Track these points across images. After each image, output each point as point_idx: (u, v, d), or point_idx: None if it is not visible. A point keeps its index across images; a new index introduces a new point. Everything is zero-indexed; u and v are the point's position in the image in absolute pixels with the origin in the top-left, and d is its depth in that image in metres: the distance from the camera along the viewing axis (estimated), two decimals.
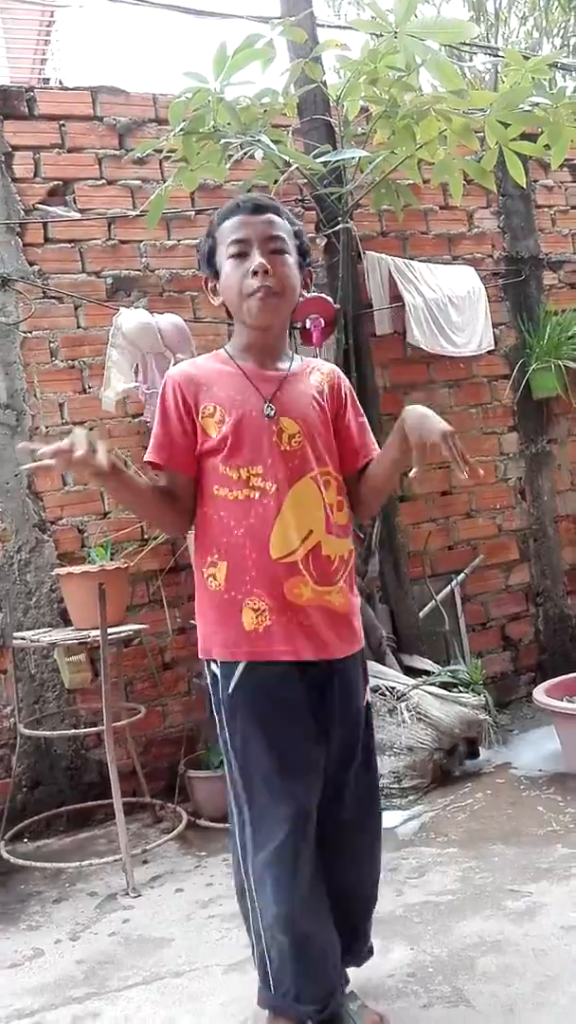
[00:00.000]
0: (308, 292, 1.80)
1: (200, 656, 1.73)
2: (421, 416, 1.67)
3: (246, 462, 1.67)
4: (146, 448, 1.69)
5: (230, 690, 1.65)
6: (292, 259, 1.71)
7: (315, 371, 1.81)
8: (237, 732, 1.66)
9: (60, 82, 5.77)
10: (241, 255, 1.67)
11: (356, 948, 1.82)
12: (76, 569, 2.89)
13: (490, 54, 5.59)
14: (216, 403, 1.68)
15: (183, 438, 1.69)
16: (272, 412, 1.69)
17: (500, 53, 5.21)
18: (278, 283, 1.67)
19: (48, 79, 6.86)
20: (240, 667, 1.65)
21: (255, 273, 1.65)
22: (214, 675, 1.69)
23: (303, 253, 1.76)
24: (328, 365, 1.87)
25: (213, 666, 1.69)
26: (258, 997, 1.73)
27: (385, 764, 2.97)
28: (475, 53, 5.77)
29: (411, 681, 3.22)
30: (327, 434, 1.76)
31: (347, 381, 1.86)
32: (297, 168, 3.15)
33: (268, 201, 1.74)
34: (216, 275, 1.73)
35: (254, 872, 1.65)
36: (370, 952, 1.86)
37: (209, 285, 1.77)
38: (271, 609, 1.64)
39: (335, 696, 1.72)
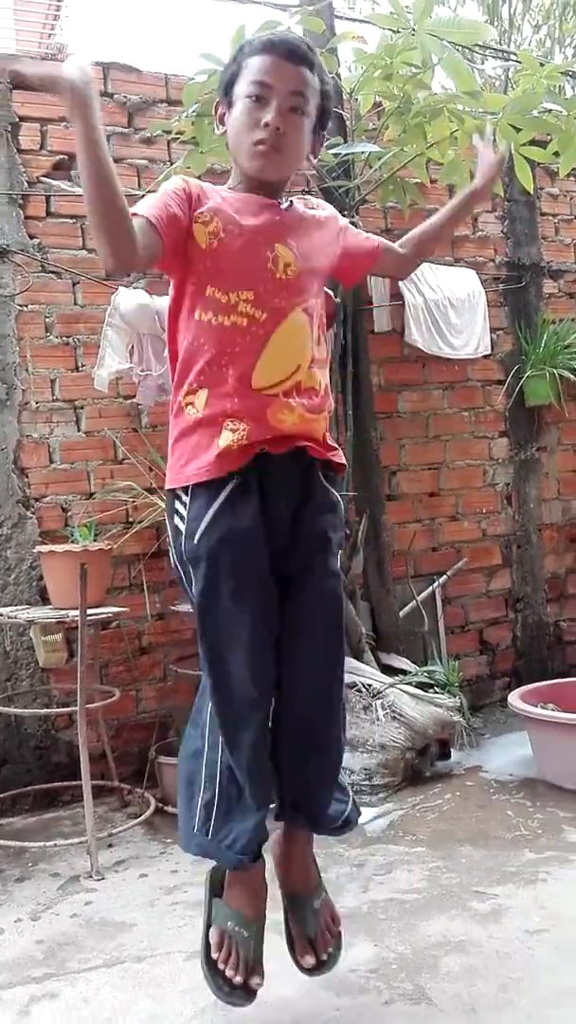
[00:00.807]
0: (315, 158, 1.74)
1: (167, 487, 1.66)
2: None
3: (237, 285, 1.59)
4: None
5: (192, 506, 1.59)
6: (308, 122, 1.64)
7: (317, 207, 1.77)
8: (208, 549, 1.58)
9: (65, 57, 5.70)
10: (259, 99, 1.58)
11: (321, 805, 1.73)
12: (59, 548, 2.87)
13: (502, 59, 5.58)
14: (214, 213, 1.60)
15: (175, 218, 1.56)
16: (293, 242, 1.64)
17: (513, 58, 5.21)
18: (284, 143, 1.59)
19: (54, 54, 6.78)
20: (214, 481, 1.58)
21: (265, 126, 1.58)
22: (176, 511, 1.63)
23: (323, 115, 1.68)
24: (326, 206, 1.81)
25: (178, 501, 1.62)
26: (186, 841, 1.70)
27: (357, 761, 2.97)
28: (487, 57, 5.76)
29: (388, 679, 3.22)
30: (322, 267, 1.72)
31: (341, 218, 1.82)
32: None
33: (304, 49, 1.62)
34: (229, 105, 1.65)
35: (231, 711, 1.61)
36: (346, 821, 1.78)
37: (219, 112, 1.69)
38: (250, 431, 1.58)
39: (304, 504, 1.65)
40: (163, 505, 3.10)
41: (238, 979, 1.66)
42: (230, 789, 1.64)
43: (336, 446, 1.74)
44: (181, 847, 1.73)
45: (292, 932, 1.78)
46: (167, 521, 1.69)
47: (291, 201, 1.72)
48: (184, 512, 1.62)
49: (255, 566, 1.61)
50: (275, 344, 1.61)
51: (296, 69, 1.60)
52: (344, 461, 1.75)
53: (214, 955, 1.68)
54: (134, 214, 1.53)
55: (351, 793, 1.84)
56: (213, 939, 1.70)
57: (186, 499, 1.62)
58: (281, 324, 1.61)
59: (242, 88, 1.61)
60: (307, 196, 1.81)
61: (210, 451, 1.59)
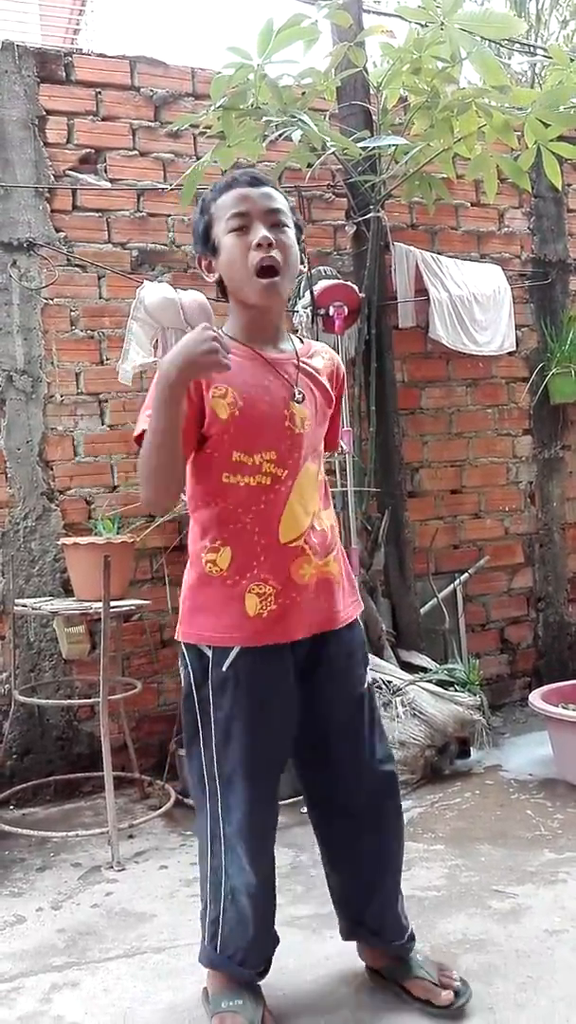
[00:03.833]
0: (304, 268, 1.79)
1: (183, 639, 1.72)
2: None
3: (260, 447, 1.64)
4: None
5: (224, 667, 1.65)
6: (292, 232, 1.67)
7: (317, 355, 1.79)
8: (222, 708, 1.67)
9: (91, 51, 5.71)
10: (242, 228, 1.62)
11: (392, 928, 1.83)
12: (83, 540, 2.88)
13: (529, 54, 5.53)
14: (228, 384, 1.63)
15: (187, 418, 1.59)
16: (302, 398, 1.68)
17: (540, 53, 5.17)
18: (282, 257, 1.62)
19: (80, 48, 6.78)
20: (235, 651, 1.65)
21: (259, 246, 1.60)
22: (202, 656, 1.68)
23: (299, 229, 1.72)
24: (328, 349, 1.84)
25: (203, 648, 1.68)
26: (200, 954, 1.77)
27: None
28: (514, 52, 5.70)
29: (408, 676, 3.22)
30: (325, 417, 1.77)
31: (342, 366, 1.85)
32: (332, 153, 3.12)
33: (263, 175, 1.69)
34: (213, 252, 1.67)
35: (226, 839, 1.69)
36: (412, 938, 1.86)
37: (203, 263, 1.71)
38: (276, 593, 1.65)
39: (328, 668, 1.73)
40: (185, 499, 3.12)
41: None
42: (231, 911, 1.70)
43: (354, 590, 1.81)
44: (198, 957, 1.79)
45: (415, 991, 1.79)
46: (183, 658, 1.73)
47: (294, 349, 1.74)
48: (208, 653, 1.67)
49: (284, 691, 1.69)
50: (295, 498, 1.67)
51: (264, 191, 1.64)
52: (360, 607, 1.83)
53: None
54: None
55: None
56: None
57: (207, 652, 1.68)
58: (297, 477, 1.67)
59: (221, 227, 1.64)
60: (303, 339, 1.84)
61: (233, 615, 1.65)
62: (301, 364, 1.72)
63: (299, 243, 1.71)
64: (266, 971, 1.78)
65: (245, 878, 1.68)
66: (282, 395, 1.67)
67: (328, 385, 1.77)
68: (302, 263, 1.75)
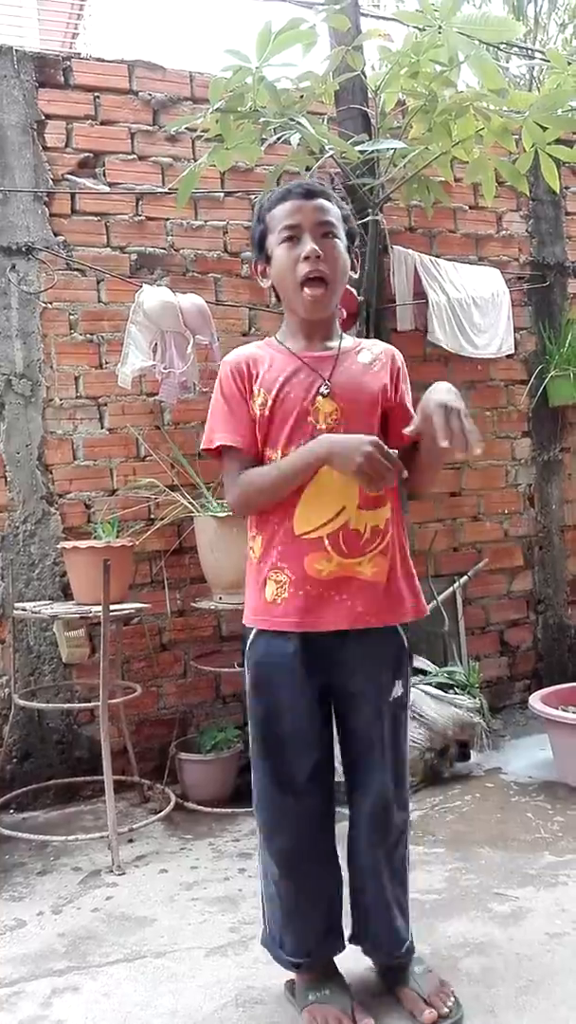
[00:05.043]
0: (356, 274, 1.84)
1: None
2: (435, 389, 1.65)
3: (283, 443, 1.70)
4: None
5: (247, 647, 1.77)
6: (342, 244, 1.74)
7: (364, 350, 1.81)
8: (248, 692, 1.78)
9: (89, 55, 5.71)
10: (292, 239, 1.71)
11: (384, 939, 1.83)
12: (82, 544, 2.88)
13: (528, 57, 5.55)
14: (262, 386, 1.72)
15: (250, 420, 1.73)
16: (328, 391, 1.71)
17: (538, 56, 5.18)
18: (329, 269, 1.70)
19: (79, 53, 6.78)
20: (253, 632, 1.76)
21: (306, 258, 1.68)
22: (244, 639, 1.80)
23: (351, 236, 1.80)
24: (381, 344, 1.87)
25: (245, 630, 1.79)
26: (261, 936, 1.89)
27: None
28: (512, 55, 5.72)
29: None
30: (372, 412, 1.75)
31: (400, 358, 1.85)
32: (331, 156, 3.13)
33: (318, 186, 1.77)
34: (267, 260, 1.77)
35: (262, 825, 1.79)
36: (409, 951, 1.84)
37: (259, 269, 1.81)
38: (290, 582, 1.70)
39: (350, 669, 1.73)
40: (185, 502, 3.13)
41: None
42: (277, 905, 1.80)
43: (403, 599, 1.77)
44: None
45: (403, 1001, 1.80)
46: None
47: (338, 347, 1.77)
48: (249, 637, 1.79)
49: (295, 678, 1.72)
50: (313, 488, 1.68)
51: (316, 203, 1.72)
52: (404, 617, 1.78)
53: None
54: (229, 450, 1.74)
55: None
56: (307, 1021, 1.75)
57: (250, 634, 1.79)
58: (319, 472, 1.68)
59: (274, 237, 1.74)
60: (361, 339, 1.87)
61: (257, 599, 1.75)
62: (339, 359, 1.74)
63: (352, 248, 1.79)
64: (312, 960, 1.78)
65: (277, 860, 1.77)
66: (307, 390, 1.71)
67: (384, 376, 1.76)
68: (352, 268, 1.81)
